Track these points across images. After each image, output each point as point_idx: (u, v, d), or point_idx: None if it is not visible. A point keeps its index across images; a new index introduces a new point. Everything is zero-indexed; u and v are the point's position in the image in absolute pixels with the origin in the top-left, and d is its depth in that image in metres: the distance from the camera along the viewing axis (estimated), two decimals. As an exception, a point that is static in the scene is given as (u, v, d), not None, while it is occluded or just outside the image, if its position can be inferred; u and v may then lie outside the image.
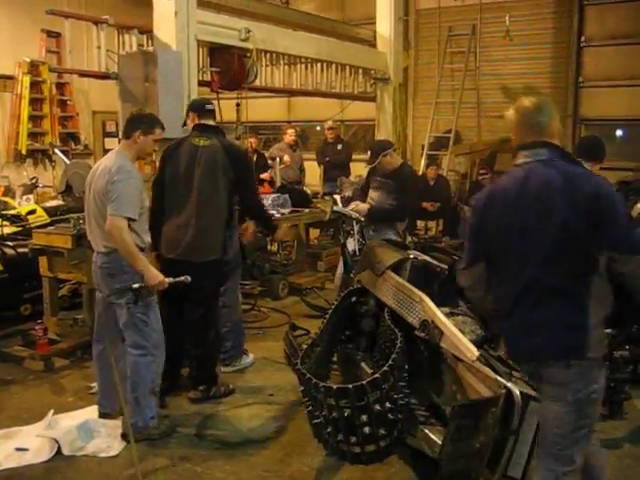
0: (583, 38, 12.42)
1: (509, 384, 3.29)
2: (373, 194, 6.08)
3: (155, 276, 4.20)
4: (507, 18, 11.91)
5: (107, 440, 4.35)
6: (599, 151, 5.39)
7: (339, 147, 10.52)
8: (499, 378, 3.34)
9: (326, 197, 9.05)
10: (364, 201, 6.07)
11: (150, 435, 4.36)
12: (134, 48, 6.96)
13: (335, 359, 4.82)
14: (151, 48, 6.79)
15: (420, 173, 10.96)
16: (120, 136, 4.65)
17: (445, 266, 4.51)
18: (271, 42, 7.96)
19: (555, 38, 12.54)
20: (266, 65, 8.43)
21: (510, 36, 12.01)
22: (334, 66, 9.50)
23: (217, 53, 7.45)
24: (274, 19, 8.80)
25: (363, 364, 4.36)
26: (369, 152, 6.05)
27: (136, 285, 4.15)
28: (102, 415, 4.61)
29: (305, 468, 4.04)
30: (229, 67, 7.39)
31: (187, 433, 4.53)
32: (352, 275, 5.07)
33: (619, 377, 4.77)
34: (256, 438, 4.47)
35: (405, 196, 5.95)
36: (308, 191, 9.35)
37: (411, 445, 3.85)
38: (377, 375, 3.33)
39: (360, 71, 10.06)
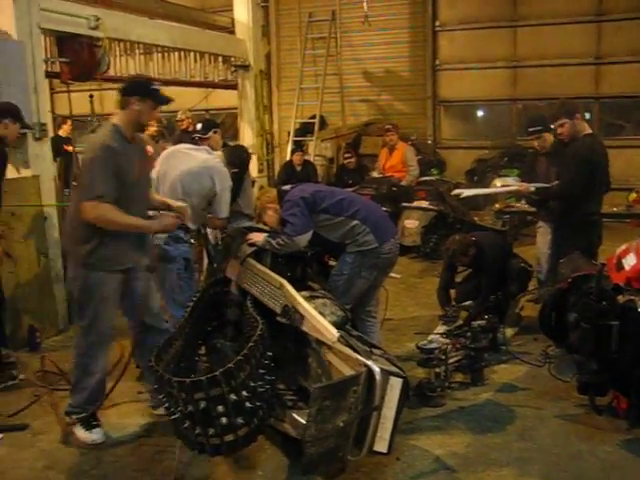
0: (437, 23, 12.88)
1: (369, 362, 3.37)
2: None
3: None
4: (365, 4, 12.14)
5: None
6: None
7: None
8: (359, 357, 3.41)
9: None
10: None
11: None
12: (-30, 37, 6.46)
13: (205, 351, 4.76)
14: (-11, 37, 6.33)
15: (287, 159, 11.02)
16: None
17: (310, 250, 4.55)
18: (123, 31, 7.66)
19: (411, 23, 12.93)
20: (120, 55, 8.13)
21: (369, 21, 12.24)
22: (192, 54, 9.30)
23: (65, 42, 7.06)
24: (127, 7, 8.45)
25: (231, 353, 4.31)
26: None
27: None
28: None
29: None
30: (78, 57, 7.00)
31: (51, 440, 4.30)
32: (215, 265, 5.01)
33: (478, 346, 5.00)
34: (127, 439, 4.31)
35: None
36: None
37: (281, 430, 3.88)
38: (230, 365, 3.29)
39: (220, 59, 9.91)
